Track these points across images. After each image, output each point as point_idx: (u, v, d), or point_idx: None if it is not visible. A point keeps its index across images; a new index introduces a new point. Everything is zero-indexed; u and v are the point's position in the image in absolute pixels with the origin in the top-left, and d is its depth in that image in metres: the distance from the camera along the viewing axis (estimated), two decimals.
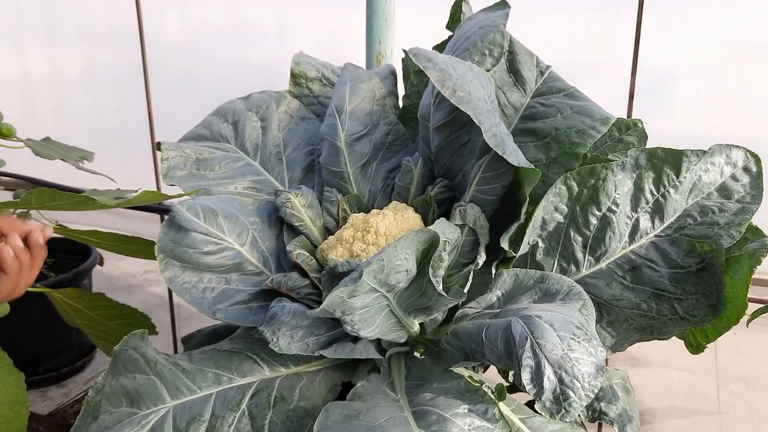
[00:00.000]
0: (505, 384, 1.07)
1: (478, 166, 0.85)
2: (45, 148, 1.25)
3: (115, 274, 2.52)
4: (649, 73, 1.39)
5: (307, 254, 0.88)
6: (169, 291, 2.21)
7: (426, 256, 0.77)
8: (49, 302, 1.26)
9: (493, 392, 0.85)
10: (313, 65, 1.18)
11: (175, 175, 1.01)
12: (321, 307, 0.71)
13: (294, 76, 1.16)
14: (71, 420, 1.35)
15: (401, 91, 1.21)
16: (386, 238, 0.86)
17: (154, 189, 2.00)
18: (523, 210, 0.80)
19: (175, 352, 1.82)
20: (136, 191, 0.94)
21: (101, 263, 1.61)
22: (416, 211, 0.93)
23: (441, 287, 0.81)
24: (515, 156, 0.79)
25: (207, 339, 1.05)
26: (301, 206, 0.93)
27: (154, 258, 0.96)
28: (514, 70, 1.02)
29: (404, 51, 1.28)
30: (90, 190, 1.01)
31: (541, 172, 0.78)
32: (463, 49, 0.97)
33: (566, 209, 0.86)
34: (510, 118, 1.01)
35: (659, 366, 1.74)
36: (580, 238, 0.87)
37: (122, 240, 1.09)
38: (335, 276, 0.79)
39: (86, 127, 2.44)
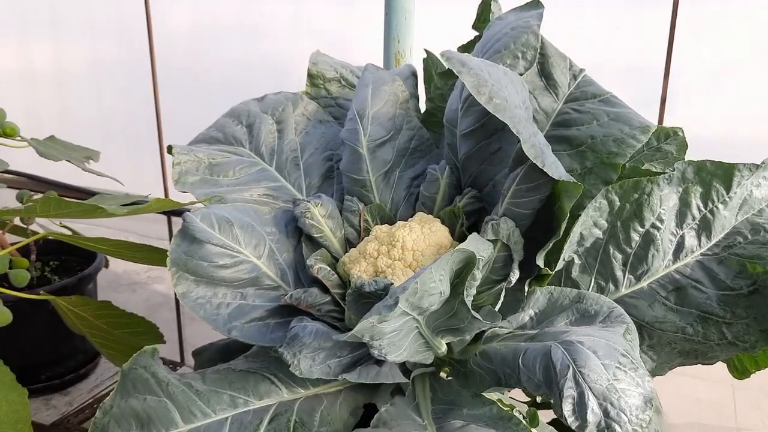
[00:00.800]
0: (526, 398, 1.02)
1: (513, 177, 0.80)
2: (49, 148, 1.20)
3: (119, 272, 2.47)
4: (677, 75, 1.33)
5: (328, 269, 0.83)
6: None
7: (459, 276, 0.72)
8: (52, 307, 1.21)
9: (524, 417, 0.80)
10: (331, 65, 1.12)
11: (187, 181, 0.96)
12: (350, 333, 0.65)
13: (311, 77, 1.11)
14: (75, 430, 1.30)
15: (421, 92, 1.16)
16: (413, 252, 0.80)
17: (161, 187, 1.96)
18: (563, 226, 0.75)
19: (181, 352, 1.77)
20: (147, 197, 0.89)
21: (107, 266, 1.56)
22: (443, 222, 0.88)
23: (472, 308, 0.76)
24: (555, 168, 0.73)
25: (219, 354, 0.99)
26: (321, 216, 0.88)
27: (163, 265, 0.90)
28: (545, 74, 0.97)
29: (426, 51, 1.23)
30: (97, 196, 0.96)
31: (583, 186, 0.72)
32: (494, 51, 0.92)
33: (606, 225, 0.81)
34: (541, 125, 0.96)
35: (679, 374, 1.69)
36: (620, 256, 0.82)
37: (131, 247, 1.04)
38: (362, 295, 0.74)
39: (91, 122, 2.38)
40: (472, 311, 0.71)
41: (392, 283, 0.72)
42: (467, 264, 0.70)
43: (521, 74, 0.91)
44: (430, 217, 0.88)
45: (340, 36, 1.87)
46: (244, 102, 1.10)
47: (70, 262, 1.51)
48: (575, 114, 0.93)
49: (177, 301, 1.98)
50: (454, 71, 0.73)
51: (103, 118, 2.32)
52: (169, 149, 0.99)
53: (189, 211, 0.84)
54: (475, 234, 0.78)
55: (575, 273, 0.84)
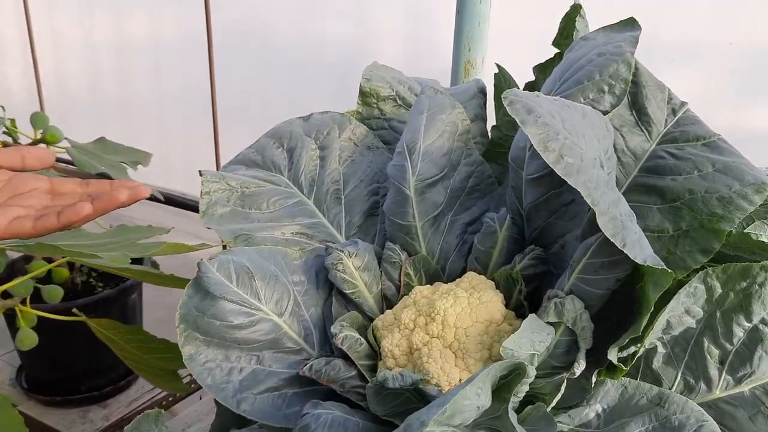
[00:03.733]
0: None
1: (585, 246, 0.65)
2: (91, 155, 1.14)
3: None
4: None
5: (357, 337, 0.71)
6: None
7: (505, 378, 0.58)
8: None
9: None
10: (386, 81, 0.99)
11: (216, 213, 0.86)
12: None
13: (363, 95, 0.98)
14: None
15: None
16: (455, 330, 0.67)
17: (213, 160, 1.89)
18: (643, 320, 0.59)
19: None
20: (164, 233, 0.80)
21: (156, 267, 1.51)
22: (498, 286, 0.74)
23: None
24: (640, 250, 0.58)
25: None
26: (355, 269, 0.76)
27: None
28: (637, 107, 0.80)
29: (498, 66, 1.08)
30: (119, 227, 0.87)
31: (674, 274, 0.57)
32: (575, 82, 0.76)
33: (701, 313, 0.65)
34: (627, 168, 0.79)
35: None
36: (716, 351, 0.65)
37: (157, 276, 0.96)
38: (384, 389, 0.61)
39: (150, 91, 2.28)
40: (518, 428, 0.57)
41: (421, 379, 0.59)
42: (514, 372, 0.56)
43: (606, 112, 0.75)
44: (482, 280, 0.74)
45: (430, 18, 1.65)
46: (288, 121, 0.98)
47: None
48: (671, 159, 0.76)
49: None
50: (518, 121, 0.59)
51: (161, 86, 2.22)
52: (200, 174, 0.90)
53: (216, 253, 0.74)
54: (532, 317, 0.63)
55: (657, 363, 0.69)
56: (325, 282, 0.79)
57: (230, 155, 0.98)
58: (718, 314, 0.64)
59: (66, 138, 1.28)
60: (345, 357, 0.72)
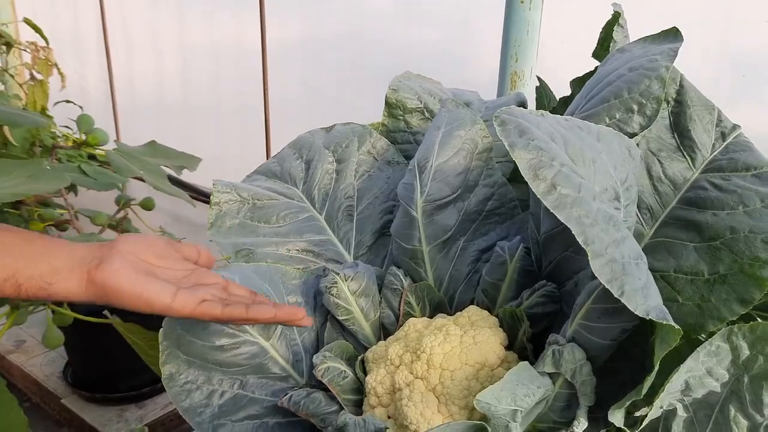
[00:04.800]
0: None
1: (589, 289, 0.57)
2: (132, 160, 1.15)
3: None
4: None
5: (341, 370, 0.66)
6: None
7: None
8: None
9: None
10: (415, 92, 0.93)
11: (223, 225, 0.84)
12: None
13: (389, 106, 0.93)
14: None
15: None
16: (441, 371, 0.61)
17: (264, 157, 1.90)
18: (647, 384, 0.51)
19: None
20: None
21: None
22: (502, 325, 0.67)
23: None
24: (641, 299, 0.49)
25: None
26: (350, 294, 0.71)
27: None
28: (680, 129, 0.71)
29: (539, 79, 1.00)
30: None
31: (681, 331, 0.48)
32: (601, 100, 0.68)
33: (726, 376, 0.55)
34: (664, 198, 0.70)
35: None
36: (744, 422, 0.55)
37: None
38: None
39: (209, 93, 2.26)
40: None
41: (386, 428, 0.53)
42: None
43: (634, 134, 0.66)
44: (483, 316, 0.67)
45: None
46: (311, 131, 0.95)
47: None
48: (714, 191, 0.67)
49: None
50: (505, 144, 0.52)
51: (218, 92, 2.20)
52: (213, 184, 0.88)
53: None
54: (523, 366, 0.56)
55: (678, 428, 0.59)
56: (323, 305, 0.75)
57: None
58: (745, 379, 0.54)
59: (115, 141, 1.31)
60: (328, 389, 0.67)
